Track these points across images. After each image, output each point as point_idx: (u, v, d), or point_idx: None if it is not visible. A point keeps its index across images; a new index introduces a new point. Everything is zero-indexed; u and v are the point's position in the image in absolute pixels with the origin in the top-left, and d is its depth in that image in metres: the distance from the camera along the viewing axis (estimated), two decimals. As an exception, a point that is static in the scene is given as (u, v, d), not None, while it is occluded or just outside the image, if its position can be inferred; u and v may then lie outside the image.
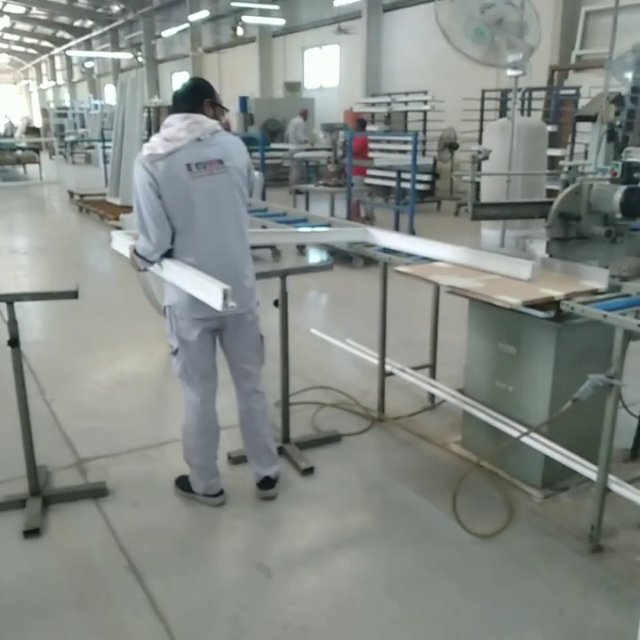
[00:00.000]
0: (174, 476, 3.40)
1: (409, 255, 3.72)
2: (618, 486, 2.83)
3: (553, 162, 9.19)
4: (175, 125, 2.86)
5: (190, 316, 2.95)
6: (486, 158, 3.37)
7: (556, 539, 2.97)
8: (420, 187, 11.83)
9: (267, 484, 3.31)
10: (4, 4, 32.85)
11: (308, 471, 3.50)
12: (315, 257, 8.86)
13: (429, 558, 2.86)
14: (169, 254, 2.95)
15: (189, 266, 2.85)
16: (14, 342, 3.00)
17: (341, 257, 8.30)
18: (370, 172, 12.12)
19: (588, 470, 2.94)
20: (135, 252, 2.98)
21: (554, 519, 3.10)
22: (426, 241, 3.80)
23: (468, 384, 3.65)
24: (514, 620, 2.53)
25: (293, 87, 20.78)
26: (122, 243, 3.27)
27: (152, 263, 2.97)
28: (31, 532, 2.99)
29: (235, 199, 2.98)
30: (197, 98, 2.96)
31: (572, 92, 11.38)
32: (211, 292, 2.60)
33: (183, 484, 3.33)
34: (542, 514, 3.14)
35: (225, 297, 2.51)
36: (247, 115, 17.48)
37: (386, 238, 4.05)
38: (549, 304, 2.90)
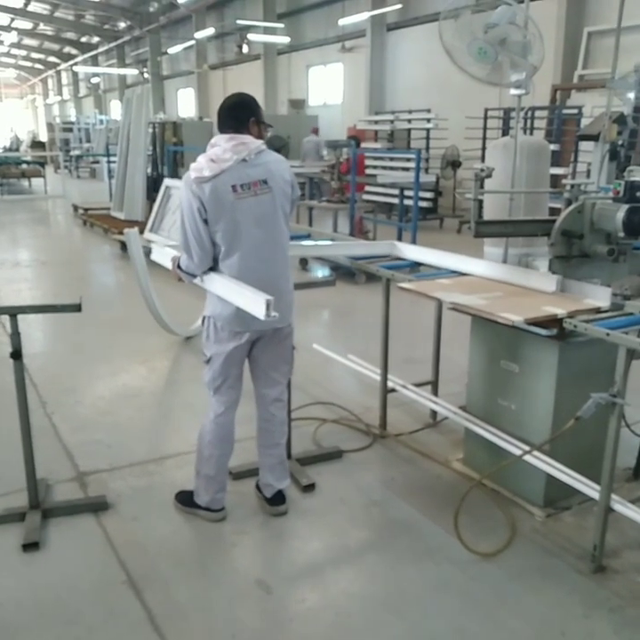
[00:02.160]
0: (175, 491, 3.38)
1: (437, 268, 3.87)
2: (620, 506, 2.81)
3: (555, 180, 9.23)
4: (221, 146, 2.93)
5: (232, 328, 3.02)
6: (489, 176, 3.37)
7: (558, 558, 2.95)
8: (422, 204, 11.87)
9: (279, 499, 3.31)
10: (12, 19, 33.19)
11: (309, 488, 3.49)
12: (317, 272, 8.87)
13: (430, 576, 2.84)
14: (213, 268, 3.03)
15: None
16: (17, 355, 3.00)
17: (344, 272, 8.34)
18: (373, 189, 12.17)
19: (591, 489, 2.93)
20: (179, 266, 3.08)
21: (556, 538, 3.08)
22: (452, 254, 3.89)
23: (470, 401, 3.64)
24: (515, 641, 2.51)
25: (297, 104, 20.94)
26: (162, 253, 3.36)
27: (195, 277, 3.07)
28: (30, 546, 2.97)
29: (277, 218, 3.04)
30: (244, 117, 3.01)
31: (575, 111, 11.46)
32: (254, 302, 2.67)
33: (183, 498, 3.32)
34: (544, 533, 3.12)
35: (268, 307, 2.58)
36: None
37: (412, 252, 4.17)
38: (552, 322, 2.89)
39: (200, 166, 2.89)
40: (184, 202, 2.94)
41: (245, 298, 2.76)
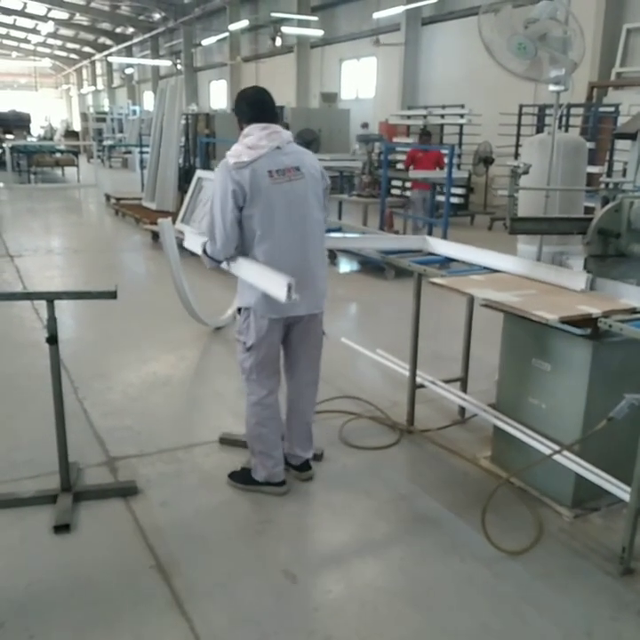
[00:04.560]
0: (203, 478, 3.44)
1: (469, 265, 3.85)
2: (651, 508, 2.78)
3: (590, 179, 9.11)
4: (255, 134, 3.04)
5: (271, 315, 3.12)
6: (526, 172, 3.35)
7: (586, 559, 2.92)
8: (453, 200, 11.79)
9: (306, 466, 3.51)
10: (49, 9, 33.59)
11: (319, 457, 3.65)
12: (345, 266, 8.88)
13: (455, 572, 2.84)
14: (242, 254, 3.14)
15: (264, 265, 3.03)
16: (53, 339, 3.05)
17: (373, 268, 8.34)
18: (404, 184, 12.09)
19: (621, 491, 2.90)
20: (204, 251, 3.19)
21: (583, 539, 3.05)
22: (483, 250, 3.87)
23: (500, 399, 3.62)
24: (540, 639, 2.50)
25: (329, 98, 20.91)
26: (194, 240, 3.44)
27: (219, 263, 3.18)
28: (61, 528, 3.02)
29: (311, 204, 3.15)
30: (274, 108, 3.18)
31: (611, 109, 11.30)
32: (277, 285, 2.74)
33: (239, 477, 3.42)
34: (572, 533, 3.10)
35: (289, 289, 2.65)
36: (283, 124, 17.65)
37: (444, 247, 4.16)
38: (586, 321, 2.87)
39: (238, 153, 3.00)
40: (218, 186, 3.02)
41: (268, 280, 2.84)
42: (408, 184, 12.14)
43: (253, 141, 3.01)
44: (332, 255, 8.81)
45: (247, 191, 2.97)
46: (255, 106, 3.13)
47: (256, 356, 3.22)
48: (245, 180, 2.97)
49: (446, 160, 8.95)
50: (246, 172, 2.97)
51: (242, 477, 3.42)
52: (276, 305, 3.00)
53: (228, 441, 3.86)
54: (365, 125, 16.89)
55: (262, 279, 2.94)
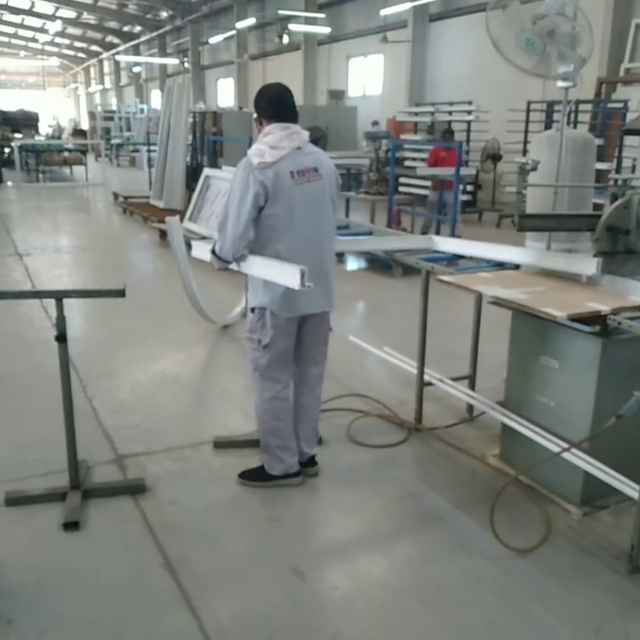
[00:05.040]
0: (211, 476, 3.45)
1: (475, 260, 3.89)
2: (660, 506, 2.77)
3: (599, 175, 9.07)
4: (276, 134, 3.04)
5: (286, 313, 3.16)
6: (535, 169, 3.34)
7: (594, 557, 2.91)
8: (461, 197, 11.75)
9: (311, 462, 3.52)
10: (57, 8, 33.68)
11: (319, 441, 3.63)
12: (352, 264, 8.87)
13: (463, 570, 2.84)
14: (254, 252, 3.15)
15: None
16: (62, 337, 3.06)
17: (380, 265, 8.33)
18: (411, 181, 12.05)
19: (630, 489, 2.89)
20: (213, 252, 3.20)
21: (592, 537, 3.04)
22: (490, 244, 3.87)
23: (508, 397, 3.61)
24: (548, 638, 2.49)
25: (337, 95, 20.89)
26: (202, 249, 3.45)
27: (228, 263, 3.18)
28: (70, 525, 3.03)
29: (327, 205, 3.20)
30: (296, 109, 3.18)
31: (620, 105, 11.23)
32: (290, 274, 2.78)
33: (253, 475, 3.42)
34: (580, 531, 3.09)
35: (302, 276, 2.69)
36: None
37: (450, 245, 4.14)
38: (595, 318, 2.86)
39: (261, 152, 3.00)
40: (238, 184, 3.01)
41: (281, 271, 2.88)
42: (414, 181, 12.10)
43: (275, 141, 3.01)
44: (339, 252, 8.80)
45: (270, 191, 2.99)
46: (277, 104, 3.12)
47: (272, 353, 3.24)
48: (269, 181, 2.98)
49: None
50: (270, 172, 2.98)
51: (256, 475, 3.42)
52: (292, 303, 3.10)
53: (222, 444, 3.80)
54: (376, 123, 16.88)
55: (275, 272, 2.97)
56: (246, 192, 2.98)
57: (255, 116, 3.20)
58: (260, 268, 3.09)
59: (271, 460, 3.38)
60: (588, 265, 3.21)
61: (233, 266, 3.20)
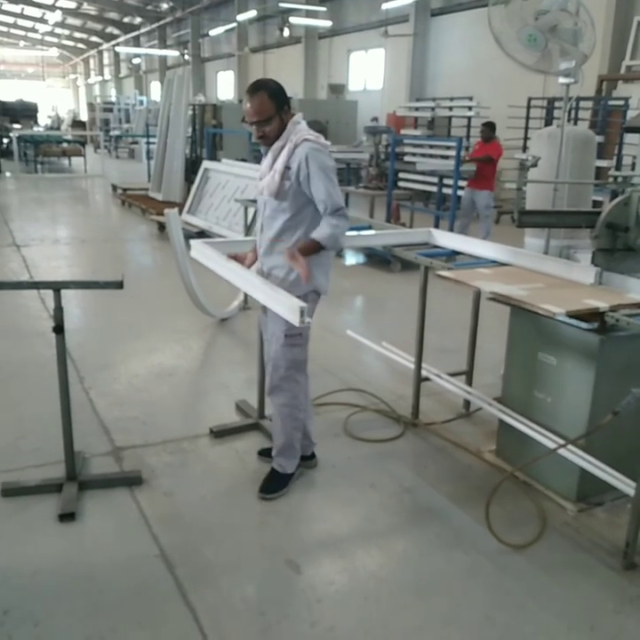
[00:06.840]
0: (207, 468, 3.45)
1: (475, 257, 3.81)
2: (656, 503, 2.77)
3: (599, 172, 9.07)
4: (303, 124, 3.08)
5: (325, 293, 3.17)
6: (535, 165, 3.33)
7: (589, 553, 2.92)
8: (460, 192, 11.74)
9: (312, 455, 3.54)
10: (57, -1, 33.58)
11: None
12: (351, 258, 8.86)
13: (459, 565, 2.84)
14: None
15: None
16: (59, 329, 3.05)
17: (379, 260, 8.32)
18: (411, 176, 12.04)
19: (626, 486, 2.90)
20: (332, 238, 2.94)
21: (587, 533, 3.05)
22: (489, 243, 3.84)
23: (505, 393, 3.61)
24: (543, 633, 2.50)
25: (337, 89, 20.84)
26: (206, 252, 3.54)
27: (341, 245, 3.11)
28: (66, 516, 3.03)
29: None
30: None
31: (621, 102, 11.22)
32: (290, 308, 2.69)
33: (276, 485, 3.32)
34: (576, 527, 3.10)
35: (302, 314, 2.60)
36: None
37: (449, 240, 4.12)
38: (593, 315, 2.86)
39: (318, 138, 3.05)
40: (328, 163, 3.01)
41: (282, 304, 2.80)
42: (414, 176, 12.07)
43: (307, 128, 3.06)
44: (339, 247, 8.79)
45: None
46: (285, 97, 3.15)
47: (306, 345, 3.21)
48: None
49: (454, 152, 8.91)
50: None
51: (276, 485, 3.32)
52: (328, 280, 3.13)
53: (220, 432, 3.84)
54: (375, 119, 16.83)
55: (275, 302, 2.84)
56: (334, 168, 3.03)
57: (274, 108, 2.99)
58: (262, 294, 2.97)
59: (288, 460, 3.34)
60: (586, 274, 3.20)
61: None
